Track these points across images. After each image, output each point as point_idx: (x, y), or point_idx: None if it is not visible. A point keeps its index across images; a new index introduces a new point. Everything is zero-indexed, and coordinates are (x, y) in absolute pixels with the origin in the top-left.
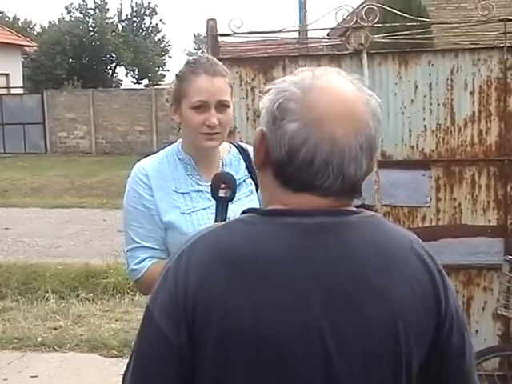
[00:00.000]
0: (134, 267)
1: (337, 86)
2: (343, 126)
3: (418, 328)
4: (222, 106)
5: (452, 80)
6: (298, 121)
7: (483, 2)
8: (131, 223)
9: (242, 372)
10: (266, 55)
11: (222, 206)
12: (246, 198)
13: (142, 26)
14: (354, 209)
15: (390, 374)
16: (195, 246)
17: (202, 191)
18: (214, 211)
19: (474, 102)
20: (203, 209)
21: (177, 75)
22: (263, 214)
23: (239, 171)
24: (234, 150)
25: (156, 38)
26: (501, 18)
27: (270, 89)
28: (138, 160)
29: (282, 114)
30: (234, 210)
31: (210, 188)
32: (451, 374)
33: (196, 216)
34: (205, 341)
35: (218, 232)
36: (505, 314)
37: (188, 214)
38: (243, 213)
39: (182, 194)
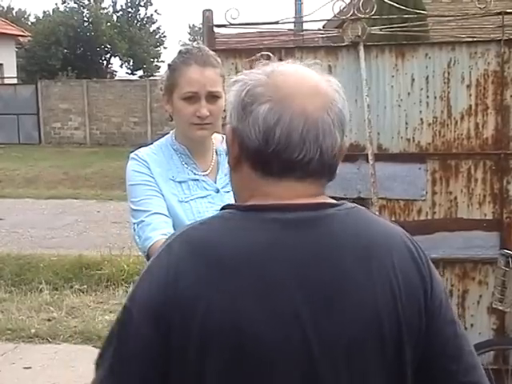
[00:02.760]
0: (150, 234)
1: (297, 68)
2: (313, 102)
3: (404, 317)
4: (212, 96)
5: (449, 73)
6: (269, 102)
7: None
8: (138, 198)
9: (223, 370)
10: (261, 47)
11: None
12: None
13: (137, 16)
14: (335, 201)
15: (376, 363)
16: (176, 244)
17: (198, 180)
18: (212, 200)
19: (470, 95)
20: (201, 197)
21: (169, 65)
22: (243, 209)
23: None
24: None
25: (151, 29)
26: (498, 10)
27: (234, 82)
28: (132, 151)
29: (252, 99)
30: (232, 199)
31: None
32: (440, 359)
33: (195, 204)
34: (186, 338)
35: (198, 229)
36: (500, 308)
37: (186, 202)
38: (223, 208)
39: (180, 182)
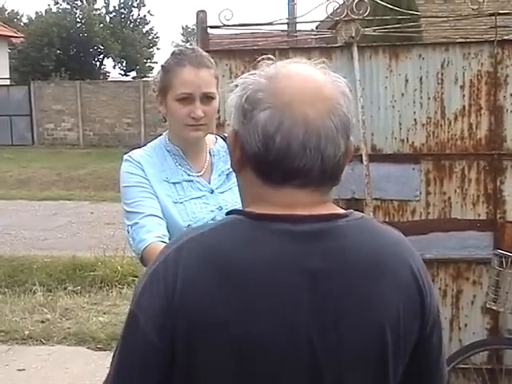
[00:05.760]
0: (144, 236)
1: (302, 70)
2: (315, 107)
3: (404, 331)
4: (207, 97)
5: (442, 74)
6: (269, 108)
7: None
8: (132, 200)
9: (227, 380)
10: (255, 48)
11: None
12: (237, 188)
13: (130, 17)
14: (343, 212)
15: (376, 374)
16: (183, 250)
17: (192, 181)
18: (206, 201)
19: (464, 95)
20: (195, 198)
21: (162, 66)
22: (252, 218)
23: (227, 161)
24: (221, 141)
25: (144, 30)
26: (491, 11)
27: (236, 85)
28: (126, 153)
29: (252, 105)
30: (226, 200)
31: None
32: (429, 372)
33: (189, 205)
34: (191, 348)
35: (208, 236)
36: (494, 308)
37: (181, 203)
38: (230, 212)
39: (174, 183)
